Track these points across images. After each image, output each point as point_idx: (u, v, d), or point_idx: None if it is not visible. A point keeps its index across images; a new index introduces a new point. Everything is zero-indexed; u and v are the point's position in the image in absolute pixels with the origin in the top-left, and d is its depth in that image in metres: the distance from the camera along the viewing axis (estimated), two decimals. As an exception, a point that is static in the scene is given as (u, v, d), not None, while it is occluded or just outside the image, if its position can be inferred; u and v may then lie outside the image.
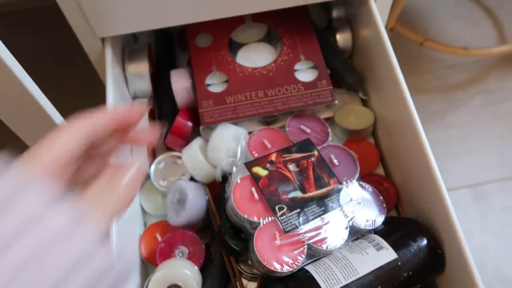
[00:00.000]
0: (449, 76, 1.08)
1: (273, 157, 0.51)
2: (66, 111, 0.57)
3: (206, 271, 0.50)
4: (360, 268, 0.43)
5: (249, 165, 0.50)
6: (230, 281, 0.51)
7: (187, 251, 0.50)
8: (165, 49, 0.70)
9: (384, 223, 0.49)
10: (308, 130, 0.56)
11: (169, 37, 0.71)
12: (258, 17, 0.62)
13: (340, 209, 0.48)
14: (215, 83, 0.58)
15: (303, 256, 0.45)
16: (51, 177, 0.25)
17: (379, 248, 0.45)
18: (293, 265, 0.45)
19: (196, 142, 0.55)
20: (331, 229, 0.47)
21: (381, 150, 0.62)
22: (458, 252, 0.44)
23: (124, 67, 0.62)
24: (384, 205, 0.50)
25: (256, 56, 0.60)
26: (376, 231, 0.48)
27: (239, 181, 0.49)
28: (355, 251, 0.45)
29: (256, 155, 0.51)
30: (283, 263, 0.45)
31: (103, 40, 0.56)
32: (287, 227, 0.46)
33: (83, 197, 0.26)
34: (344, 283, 0.42)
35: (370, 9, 0.57)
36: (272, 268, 0.44)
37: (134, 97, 0.64)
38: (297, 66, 0.58)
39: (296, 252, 0.45)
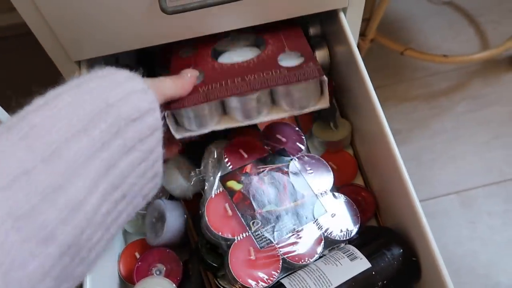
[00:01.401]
0: (433, 84, 1.10)
1: (248, 168, 0.51)
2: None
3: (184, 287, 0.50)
4: (333, 279, 0.43)
5: (223, 179, 0.50)
6: (209, 297, 0.51)
7: (165, 268, 0.50)
8: (146, 68, 0.71)
9: (359, 233, 0.49)
10: (283, 140, 0.56)
11: (150, 57, 0.72)
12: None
13: (315, 221, 0.49)
14: None
15: (278, 271, 0.45)
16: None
17: (353, 258, 0.45)
18: (268, 280, 0.45)
19: (173, 160, 0.55)
20: (306, 242, 0.47)
21: (359, 160, 0.62)
22: (431, 261, 0.44)
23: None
24: (358, 215, 0.50)
25: (238, 57, 0.54)
26: (351, 241, 0.49)
27: (213, 197, 0.49)
28: (329, 262, 0.45)
29: (231, 167, 0.52)
30: (258, 279, 0.45)
31: (79, 63, 0.57)
32: (261, 243, 0.46)
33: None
34: (317, 294, 0.42)
35: (340, 22, 0.58)
36: (247, 285, 0.44)
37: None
38: (281, 56, 0.52)
39: (271, 267, 0.45)
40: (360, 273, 0.44)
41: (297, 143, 0.55)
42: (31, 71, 1.11)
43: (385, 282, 0.44)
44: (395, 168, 0.48)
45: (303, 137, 0.56)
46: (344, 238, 0.48)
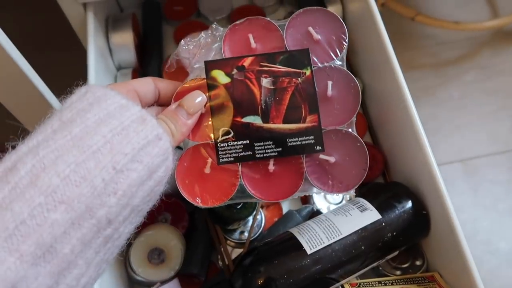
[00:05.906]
0: (441, 52, 1.08)
1: (247, 61, 0.39)
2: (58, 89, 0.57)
3: (190, 237, 0.50)
4: (343, 228, 0.43)
5: (209, 65, 0.39)
6: (215, 247, 0.51)
7: (171, 217, 0.50)
8: (151, 20, 0.69)
9: (369, 187, 0.49)
10: (317, 37, 0.40)
11: (156, 8, 0.70)
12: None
13: (302, 157, 0.39)
14: None
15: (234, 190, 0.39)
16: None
17: (363, 209, 0.45)
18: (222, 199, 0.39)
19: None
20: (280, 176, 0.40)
21: (368, 119, 0.61)
22: (442, 213, 0.44)
23: (108, 37, 0.61)
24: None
25: None
26: (361, 195, 0.48)
27: (187, 85, 0.38)
28: (339, 213, 0.45)
29: (227, 54, 0.40)
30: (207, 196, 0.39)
31: (85, 6, 0.55)
32: (222, 158, 0.38)
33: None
34: (327, 243, 0.42)
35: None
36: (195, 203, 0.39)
37: (119, 68, 0.63)
38: None
39: (226, 185, 0.39)
40: (370, 224, 0.43)
41: (334, 46, 0.40)
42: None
43: (394, 233, 0.44)
44: (411, 125, 0.47)
45: (346, 41, 0.40)
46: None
